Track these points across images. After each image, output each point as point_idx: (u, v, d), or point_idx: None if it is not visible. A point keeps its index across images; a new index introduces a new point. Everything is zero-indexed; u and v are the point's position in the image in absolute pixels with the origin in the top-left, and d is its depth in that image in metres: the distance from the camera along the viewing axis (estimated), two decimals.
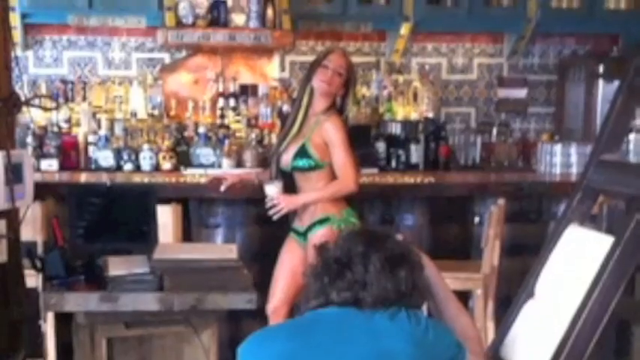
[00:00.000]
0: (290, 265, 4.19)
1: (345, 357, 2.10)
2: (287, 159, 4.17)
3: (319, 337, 2.15)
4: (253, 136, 6.28)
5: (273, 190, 4.16)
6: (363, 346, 2.12)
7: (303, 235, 4.18)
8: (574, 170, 5.83)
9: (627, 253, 3.05)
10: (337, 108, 4.17)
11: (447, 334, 2.35)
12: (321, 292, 2.24)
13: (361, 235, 2.33)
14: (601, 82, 6.73)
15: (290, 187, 4.22)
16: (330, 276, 2.22)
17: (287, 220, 4.24)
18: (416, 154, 6.43)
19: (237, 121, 6.49)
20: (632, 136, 3.73)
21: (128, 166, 5.98)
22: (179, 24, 6.26)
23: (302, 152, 4.09)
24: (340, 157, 4.07)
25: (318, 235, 4.00)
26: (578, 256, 3.30)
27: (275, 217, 4.17)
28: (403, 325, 2.18)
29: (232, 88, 6.63)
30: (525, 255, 4.86)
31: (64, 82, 6.46)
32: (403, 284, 2.21)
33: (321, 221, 4.09)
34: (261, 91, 6.66)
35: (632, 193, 3.25)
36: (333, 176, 4.11)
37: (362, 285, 2.19)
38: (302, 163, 4.10)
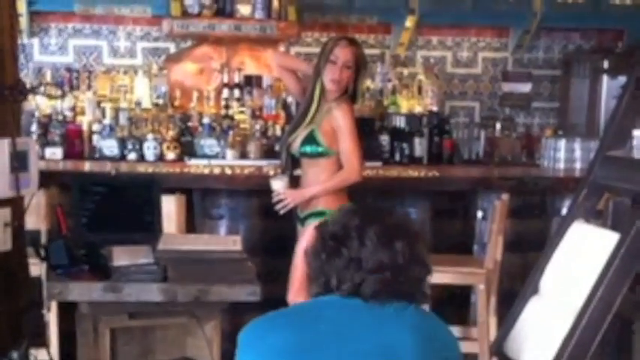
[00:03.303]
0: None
1: (349, 352, 2.09)
2: (296, 144, 4.17)
3: (323, 330, 2.13)
4: (257, 127, 6.27)
5: (279, 184, 4.15)
6: (366, 340, 2.10)
7: (302, 220, 4.18)
8: (578, 166, 5.82)
9: (633, 250, 3.05)
10: (349, 94, 4.16)
11: (451, 336, 2.32)
12: (320, 272, 2.21)
13: (357, 209, 2.31)
14: (605, 78, 6.73)
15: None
16: (327, 252, 2.20)
17: (291, 212, 4.23)
18: (420, 147, 6.42)
19: (242, 112, 6.48)
20: (637, 132, 3.69)
21: (132, 156, 5.97)
22: (185, 13, 6.27)
23: (310, 138, 4.08)
24: (347, 145, 4.06)
25: (311, 227, 4.00)
26: (583, 253, 3.30)
27: (282, 212, 4.16)
28: (408, 320, 2.16)
29: (237, 78, 6.62)
30: (528, 250, 4.87)
31: (69, 70, 6.46)
32: (400, 256, 2.17)
33: (318, 214, 4.07)
34: (265, 82, 6.65)
35: (638, 190, 3.25)
36: (339, 165, 4.09)
37: (357, 262, 2.16)
38: (310, 149, 4.09)
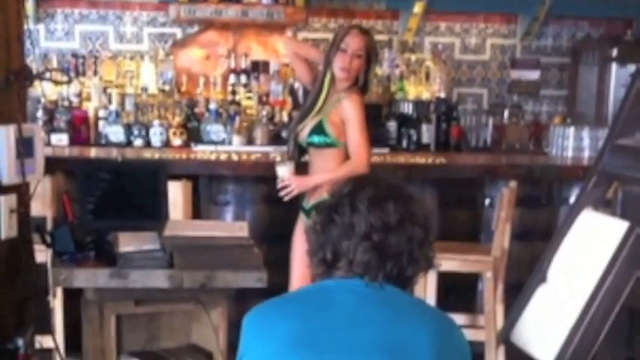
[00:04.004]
0: (302, 251, 4.14)
1: (363, 342, 2.05)
2: (304, 134, 4.15)
3: (335, 318, 2.09)
4: (264, 113, 6.25)
5: (284, 170, 4.13)
6: (382, 333, 2.06)
7: (308, 212, 4.16)
8: (586, 154, 5.81)
9: None
10: (359, 85, 4.14)
11: (466, 342, 2.28)
12: (317, 246, 2.19)
13: (350, 179, 2.29)
14: (614, 66, 6.70)
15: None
16: (322, 222, 2.18)
17: (297, 199, 4.22)
18: (427, 134, 6.40)
19: (248, 98, 6.46)
20: None
21: (138, 142, 5.96)
22: None
23: (319, 129, 4.07)
24: (355, 136, 4.04)
25: None
26: (591, 241, 3.28)
27: (286, 198, 4.15)
28: (426, 318, 2.12)
29: (244, 64, 6.60)
30: (535, 239, 4.85)
31: (75, 56, 6.44)
32: (392, 216, 2.13)
33: None
34: (272, 67, 6.62)
35: None
36: (347, 156, 4.08)
37: (351, 229, 2.12)
38: (317, 139, 4.07)
